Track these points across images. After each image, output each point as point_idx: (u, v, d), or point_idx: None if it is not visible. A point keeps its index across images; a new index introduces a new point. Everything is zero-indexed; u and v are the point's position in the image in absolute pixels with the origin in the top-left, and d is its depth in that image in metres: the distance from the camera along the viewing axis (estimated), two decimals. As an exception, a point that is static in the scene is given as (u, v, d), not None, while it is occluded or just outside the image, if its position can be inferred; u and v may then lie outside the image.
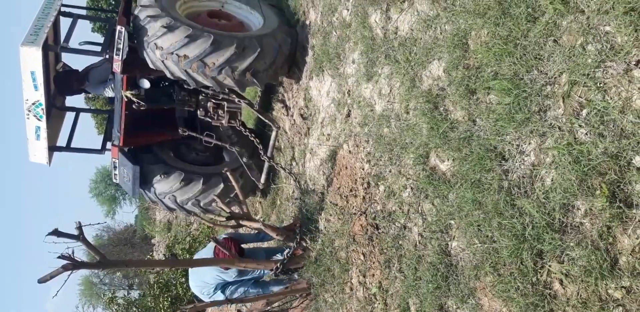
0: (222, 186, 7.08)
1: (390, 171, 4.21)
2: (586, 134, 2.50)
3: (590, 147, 2.44)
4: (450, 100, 3.52)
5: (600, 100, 2.43)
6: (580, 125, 2.53)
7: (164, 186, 7.00)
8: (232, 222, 5.15)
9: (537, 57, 2.80)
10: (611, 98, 2.41)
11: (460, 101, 3.38)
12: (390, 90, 4.36)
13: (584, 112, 2.53)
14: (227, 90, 6.62)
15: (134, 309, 9.74)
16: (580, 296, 2.47)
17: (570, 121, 2.58)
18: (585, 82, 2.51)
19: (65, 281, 3.40)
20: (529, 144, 2.84)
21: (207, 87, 6.57)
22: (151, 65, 6.10)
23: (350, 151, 4.98)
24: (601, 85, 2.45)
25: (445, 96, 3.59)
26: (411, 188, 3.89)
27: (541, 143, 2.76)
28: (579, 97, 2.56)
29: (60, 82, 6.99)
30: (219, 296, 5.39)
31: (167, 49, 5.85)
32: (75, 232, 3.60)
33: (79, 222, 3.61)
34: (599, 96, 2.45)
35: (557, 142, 2.64)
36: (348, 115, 5.14)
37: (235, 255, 5.03)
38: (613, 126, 2.38)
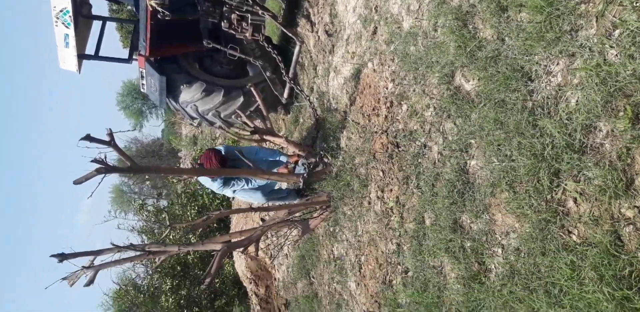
0: (242, 99, 7.17)
1: (414, 90, 4.21)
2: (616, 55, 2.46)
3: (619, 68, 2.41)
4: (480, 18, 3.43)
5: (635, 21, 2.36)
6: (611, 46, 2.48)
7: (186, 95, 7.14)
8: (256, 136, 5.27)
9: (575, -27, 2.69)
10: (646, 18, 2.34)
11: (490, 19, 3.29)
12: (419, 7, 4.24)
13: (617, 32, 2.47)
14: (250, 2, 6.48)
15: (164, 215, 10.22)
16: (593, 214, 2.55)
17: (602, 42, 2.52)
18: (621, 1, 2.43)
19: (100, 183, 3.53)
20: (557, 64, 2.81)
21: (231, -2, 6.44)
22: (175, -26, 5.97)
23: (374, 70, 4.95)
24: (637, 4, 2.37)
25: (475, 13, 3.49)
26: (434, 107, 3.90)
27: (569, 64, 2.73)
28: (613, 17, 2.48)
29: None
30: (227, 192, 6.04)
31: (191, -43, 5.69)
32: (107, 139, 3.71)
33: (110, 129, 3.70)
34: (634, 16, 2.37)
35: (586, 62, 2.60)
36: (374, 32, 5.04)
37: (215, 165, 5.52)
38: (645, 48, 2.33)
